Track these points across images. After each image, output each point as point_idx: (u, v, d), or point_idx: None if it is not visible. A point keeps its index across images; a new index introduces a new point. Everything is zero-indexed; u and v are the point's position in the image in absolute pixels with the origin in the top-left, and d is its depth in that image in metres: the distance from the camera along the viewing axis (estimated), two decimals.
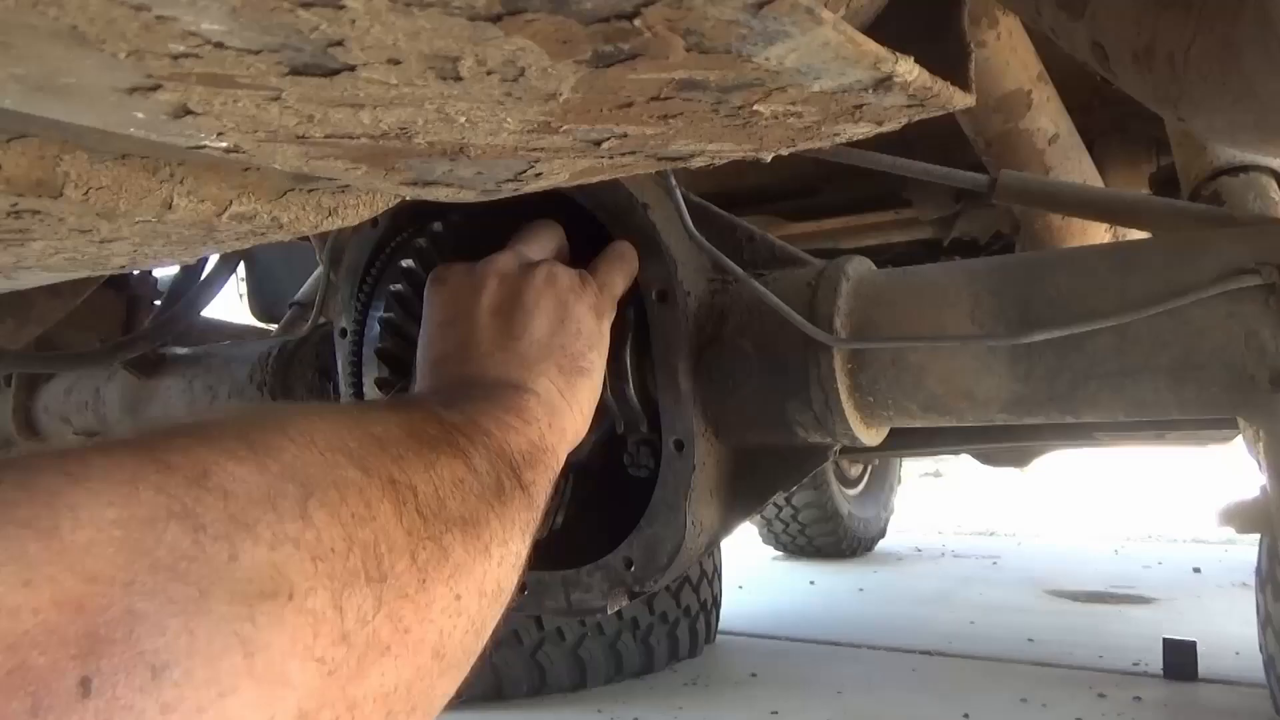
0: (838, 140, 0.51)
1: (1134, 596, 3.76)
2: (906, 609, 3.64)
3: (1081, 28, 0.63)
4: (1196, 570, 4.23)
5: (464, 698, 1.32)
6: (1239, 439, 1.02)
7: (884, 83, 0.40)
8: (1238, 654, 2.67)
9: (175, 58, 0.33)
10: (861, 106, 0.44)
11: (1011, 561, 4.74)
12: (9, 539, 0.29)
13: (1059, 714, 2.35)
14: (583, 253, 0.83)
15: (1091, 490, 7.14)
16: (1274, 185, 1.01)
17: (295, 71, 0.35)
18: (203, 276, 1.45)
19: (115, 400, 1.43)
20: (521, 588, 0.57)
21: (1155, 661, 2.68)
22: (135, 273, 1.66)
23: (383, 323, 0.88)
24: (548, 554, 0.76)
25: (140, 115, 0.39)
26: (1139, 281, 0.70)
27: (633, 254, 0.79)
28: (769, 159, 0.54)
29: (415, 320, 0.77)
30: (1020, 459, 2.89)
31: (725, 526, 0.86)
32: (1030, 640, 3.05)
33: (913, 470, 7.26)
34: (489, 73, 0.36)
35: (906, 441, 2.18)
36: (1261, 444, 0.72)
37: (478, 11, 0.31)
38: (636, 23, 0.32)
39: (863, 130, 0.49)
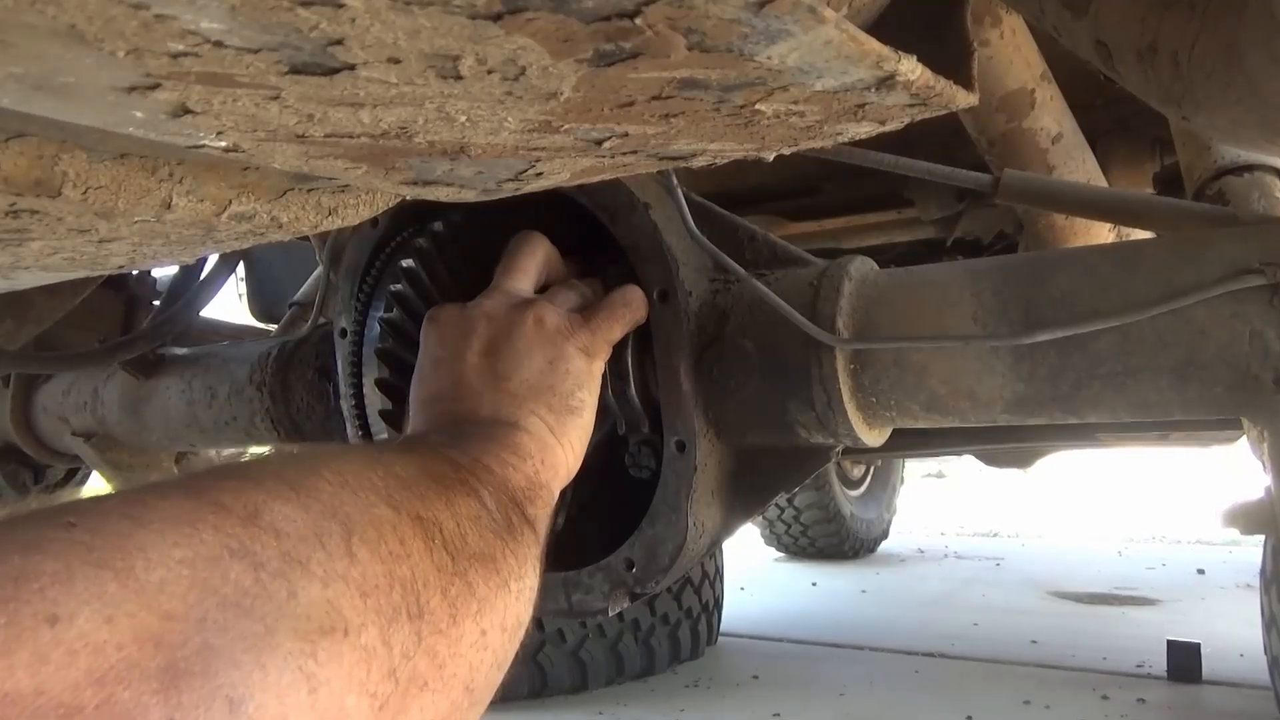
0: (840, 139, 0.50)
1: (1138, 598, 3.75)
2: (909, 610, 3.64)
3: (1084, 26, 0.63)
4: (1200, 572, 4.23)
5: None
6: (1243, 440, 1.02)
7: (886, 82, 0.40)
8: (1242, 656, 2.67)
9: (174, 56, 0.33)
10: (864, 106, 0.43)
11: (1015, 563, 4.73)
12: (89, 579, 0.31)
13: (1062, 716, 2.34)
14: (582, 253, 0.82)
15: (1095, 491, 7.13)
16: (1278, 185, 1.01)
17: (295, 70, 0.35)
18: (202, 277, 1.45)
19: (114, 400, 1.42)
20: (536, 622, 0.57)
21: (1159, 663, 2.68)
22: (134, 273, 1.66)
23: (383, 323, 0.87)
24: (548, 555, 0.76)
25: (139, 114, 0.39)
26: (1142, 281, 0.70)
27: (640, 303, 0.78)
28: (771, 158, 0.54)
29: (415, 320, 0.77)
30: (1023, 460, 2.88)
31: (727, 527, 0.86)
32: (1033, 642, 3.05)
33: (915, 471, 7.25)
34: (489, 72, 0.36)
35: (909, 442, 2.17)
36: (1266, 444, 0.71)
37: (478, 10, 0.31)
38: (637, 21, 0.32)
39: (865, 130, 0.49)
